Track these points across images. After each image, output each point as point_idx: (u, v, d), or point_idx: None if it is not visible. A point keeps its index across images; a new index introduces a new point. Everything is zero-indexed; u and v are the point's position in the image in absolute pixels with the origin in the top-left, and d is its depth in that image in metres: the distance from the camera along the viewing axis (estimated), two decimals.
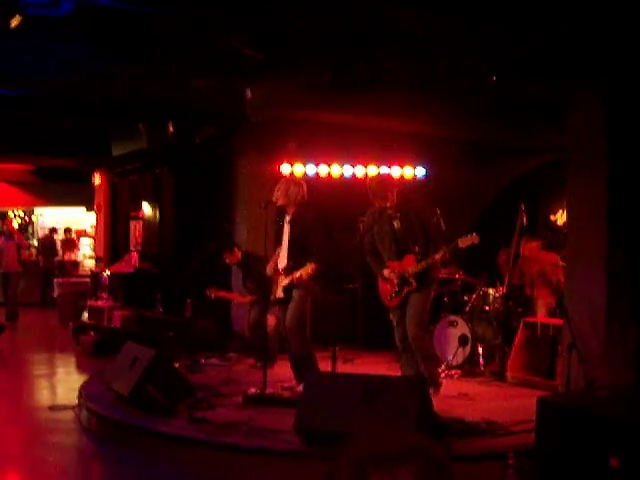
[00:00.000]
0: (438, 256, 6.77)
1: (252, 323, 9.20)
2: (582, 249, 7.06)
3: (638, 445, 4.54)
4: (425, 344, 6.98)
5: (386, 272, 7.01)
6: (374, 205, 7.11)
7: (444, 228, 8.44)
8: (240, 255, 9.42)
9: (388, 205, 6.98)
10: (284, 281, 7.26)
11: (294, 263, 7.21)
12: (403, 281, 6.90)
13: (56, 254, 17.58)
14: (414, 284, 6.85)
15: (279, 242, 7.54)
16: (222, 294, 9.82)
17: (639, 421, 4.73)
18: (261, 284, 8.46)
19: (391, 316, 7.10)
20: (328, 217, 7.82)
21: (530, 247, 8.88)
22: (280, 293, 7.31)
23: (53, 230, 17.87)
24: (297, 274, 7.10)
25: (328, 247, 7.38)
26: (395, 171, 10.67)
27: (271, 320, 8.21)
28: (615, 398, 5.53)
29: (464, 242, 6.73)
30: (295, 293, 7.22)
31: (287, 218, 7.38)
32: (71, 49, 7.12)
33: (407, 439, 1.28)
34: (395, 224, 6.97)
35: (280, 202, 7.35)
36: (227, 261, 9.55)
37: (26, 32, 6.39)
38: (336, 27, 6.28)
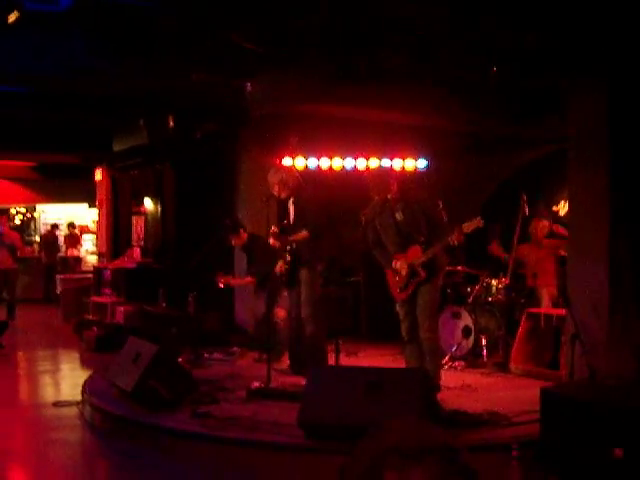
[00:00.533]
0: (448, 240, 6.65)
1: (258, 316, 9.19)
2: (584, 239, 7.05)
3: None
4: (436, 339, 6.94)
5: (396, 264, 6.96)
6: (374, 198, 7.09)
7: (447, 219, 8.43)
8: (246, 237, 9.34)
9: (389, 197, 6.95)
10: (288, 240, 7.73)
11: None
12: (412, 272, 6.85)
13: (58, 250, 17.59)
14: (423, 274, 6.79)
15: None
16: (231, 281, 9.73)
17: None
18: (266, 267, 8.46)
19: (398, 308, 7.06)
20: (330, 210, 7.91)
21: (542, 225, 8.93)
22: (281, 267, 7.73)
23: (55, 226, 17.87)
24: (293, 236, 7.64)
25: (322, 218, 7.79)
26: (397, 163, 10.65)
27: (280, 312, 8.24)
28: (619, 388, 5.53)
29: (469, 227, 6.63)
30: (302, 274, 7.42)
31: (291, 200, 7.85)
32: (70, 45, 7.10)
33: (430, 437, 1.27)
34: (397, 216, 6.94)
35: (284, 195, 7.82)
36: (233, 243, 9.47)
37: (24, 28, 6.38)
38: (337, 21, 6.26)
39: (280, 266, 7.78)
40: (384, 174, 7.31)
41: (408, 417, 5.11)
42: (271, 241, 7.84)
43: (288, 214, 7.94)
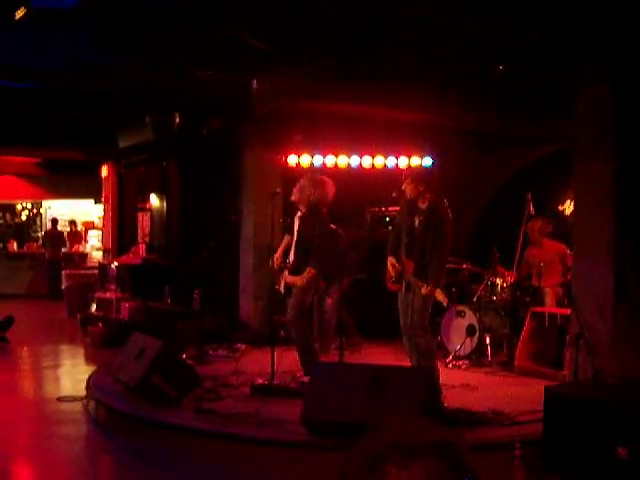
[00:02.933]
0: (425, 290, 6.58)
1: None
2: (589, 238, 7.04)
3: None
4: (424, 343, 6.80)
5: (389, 260, 6.92)
6: (405, 197, 6.93)
7: (452, 218, 8.41)
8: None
9: (418, 199, 6.78)
10: (287, 278, 7.39)
11: (299, 262, 7.35)
12: (400, 275, 6.84)
13: (64, 245, 17.60)
14: (403, 285, 6.79)
15: (287, 232, 7.65)
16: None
17: None
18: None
19: (399, 304, 7.05)
20: (335, 208, 7.81)
21: (535, 226, 8.88)
22: (282, 288, 7.39)
23: (54, 221, 17.83)
24: (297, 280, 7.28)
25: (329, 256, 7.45)
26: (402, 161, 10.64)
27: (329, 301, 8.17)
28: (623, 388, 5.51)
29: (439, 295, 6.67)
30: (295, 288, 7.33)
31: (298, 213, 7.54)
32: (76, 41, 7.10)
33: (431, 431, 1.27)
34: (416, 220, 6.80)
35: (293, 198, 7.56)
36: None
37: (31, 24, 6.39)
38: (341, 18, 6.26)
39: (281, 286, 7.60)
40: (416, 174, 7.05)
41: (411, 414, 5.11)
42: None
43: (292, 225, 7.63)
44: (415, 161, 10.76)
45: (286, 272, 7.43)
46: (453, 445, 1.22)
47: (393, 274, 6.87)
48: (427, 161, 10.94)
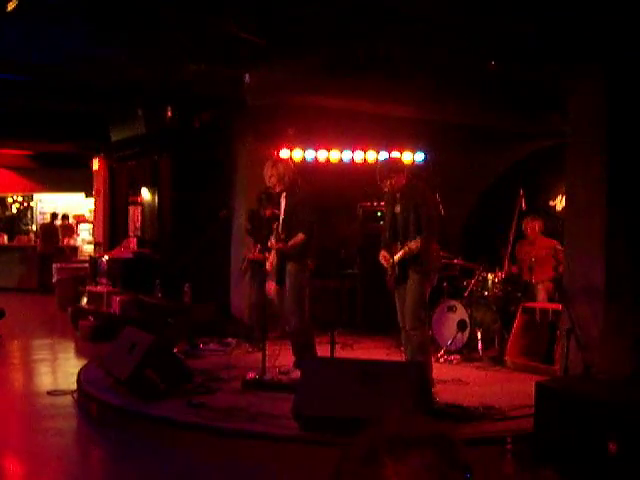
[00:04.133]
0: (410, 246, 6.65)
1: (252, 303, 9.17)
2: (581, 234, 7.05)
3: (635, 430, 4.55)
4: (420, 337, 6.84)
5: (381, 254, 6.97)
6: (382, 189, 7.03)
7: (443, 213, 8.44)
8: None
9: (393, 189, 6.90)
10: (276, 245, 7.53)
11: (288, 233, 7.50)
12: (391, 269, 6.88)
13: (58, 241, 17.58)
14: (395, 272, 6.81)
15: (276, 218, 7.76)
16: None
17: (637, 406, 4.74)
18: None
19: (396, 298, 7.07)
20: (327, 202, 7.84)
21: (532, 226, 8.96)
22: (271, 263, 7.57)
23: (54, 215, 17.81)
24: (290, 242, 7.41)
25: (316, 219, 7.61)
26: (395, 156, 10.63)
27: (271, 285, 8.18)
28: (613, 383, 5.54)
29: (414, 243, 6.69)
30: (290, 268, 7.32)
31: (284, 194, 7.67)
32: (68, 34, 7.07)
33: (427, 426, 1.27)
34: (397, 209, 6.92)
35: (278, 189, 7.64)
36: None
37: (23, 16, 6.35)
38: (335, 11, 6.24)
39: (269, 263, 7.68)
40: (389, 165, 7.18)
41: (405, 409, 5.11)
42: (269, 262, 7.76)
43: (279, 208, 7.80)
44: (407, 156, 10.77)
45: (272, 239, 7.60)
46: (449, 439, 1.23)
47: (386, 265, 6.88)
48: (419, 156, 10.95)
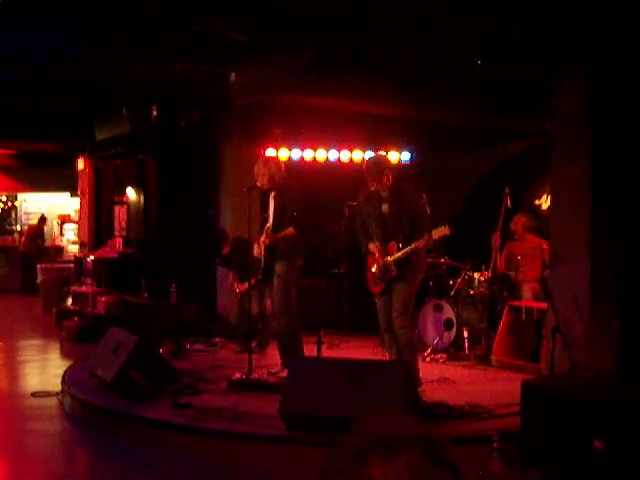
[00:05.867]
0: (419, 244, 6.66)
1: (240, 309, 9.15)
2: (566, 234, 7.07)
3: (621, 428, 4.57)
4: (409, 334, 6.88)
5: (371, 246, 6.96)
6: (368, 186, 6.99)
7: (429, 213, 8.43)
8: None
9: (382, 187, 6.87)
10: (266, 241, 7.47)
11: (278, 231, 7.49)
12: (385, 268, 6.85)
13: (43, 243, 17.51)
14: (394, 271, 6.79)
15: (265, 221, 7.69)
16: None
17: (622, 404, 4.76)
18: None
19: (376, 300, 7.06)
20: (314, 202, 7.83)
21: (516, 221, 8.96)
22: (261, 252, 7.53)
23: (43, 218, 17.76)
24: (280, 234, 7.40)
25: (304, 213, 7.59)
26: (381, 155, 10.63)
27: (268, 303, 8.20)
28: (598, 381, 5.56)
29: (437, 233, 6.64)
30: (278, 267, 7.30)
31: (272, 194, 7.64)
32: (52, 32, 7.02)
33: (414, 426, 1.26)
34: (384, 207, 6.89)
35: (267, 186, 7.61)
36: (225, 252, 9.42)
37: (5, 14, 6.30)
38: (321, 10, 6.23)
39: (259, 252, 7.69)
40: (380, 163, 7.15)
41: (392, 409, 5.11)
42: (255, 249, 7.73)
43: (267, 207, 7.80)
44: (393, 156, 10.77)
45: (263, 236, 7.57)
46: (436, 440, 1.21)
47: (377, 254, 6.87)
48: (405, 155, 10.95)
